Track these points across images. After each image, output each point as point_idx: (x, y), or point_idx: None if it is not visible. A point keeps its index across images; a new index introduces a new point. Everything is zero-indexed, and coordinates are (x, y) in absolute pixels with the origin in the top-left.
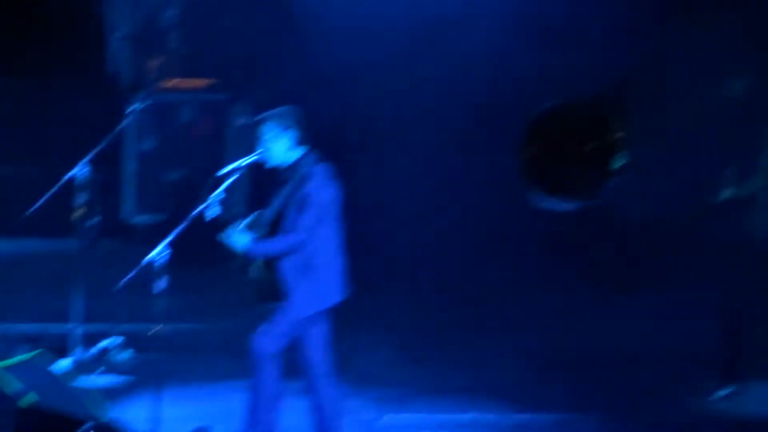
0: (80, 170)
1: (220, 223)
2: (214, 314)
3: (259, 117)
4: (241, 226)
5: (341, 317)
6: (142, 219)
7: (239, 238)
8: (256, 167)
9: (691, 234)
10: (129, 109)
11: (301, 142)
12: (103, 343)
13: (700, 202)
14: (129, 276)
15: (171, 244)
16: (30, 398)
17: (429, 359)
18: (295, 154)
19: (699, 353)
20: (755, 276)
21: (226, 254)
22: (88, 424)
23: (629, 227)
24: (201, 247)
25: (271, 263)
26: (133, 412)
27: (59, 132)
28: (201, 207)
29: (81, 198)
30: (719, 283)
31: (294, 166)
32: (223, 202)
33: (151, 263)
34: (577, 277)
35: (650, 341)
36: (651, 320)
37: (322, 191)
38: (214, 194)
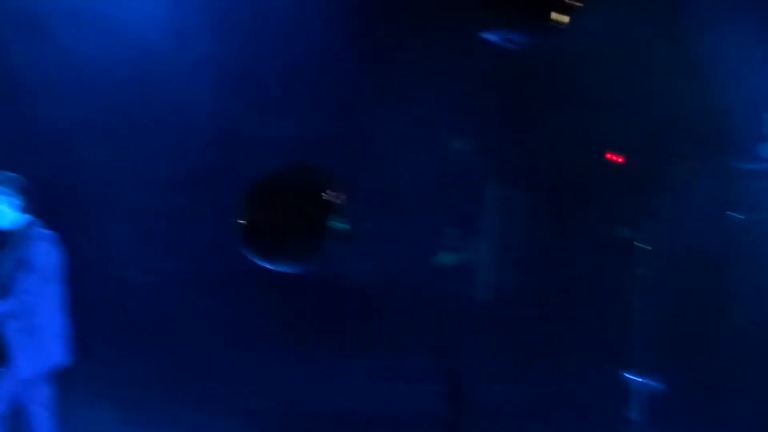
0: None
1: None
2: None
3: None
4: None
5: (63, 379)
6: None
7: None
8: None
9: (414, 297)
10: None
11: (24, 208)
12: None
13: (423, 266)
14: None
15: None
16: None
17: (153, 420)
18: (19, 219)
19: (424, 413)
20: (476, 337)
21: None
22: None
23: (355, 291)
24: None
25: None
26: None
27: None
28: None
29: None
30: (441, 345)
31: (17, 232)
32: None
33: None
34: (305, 339)
35: (376, 402)
36: (377, 382)
37: (45, 256)
38: None
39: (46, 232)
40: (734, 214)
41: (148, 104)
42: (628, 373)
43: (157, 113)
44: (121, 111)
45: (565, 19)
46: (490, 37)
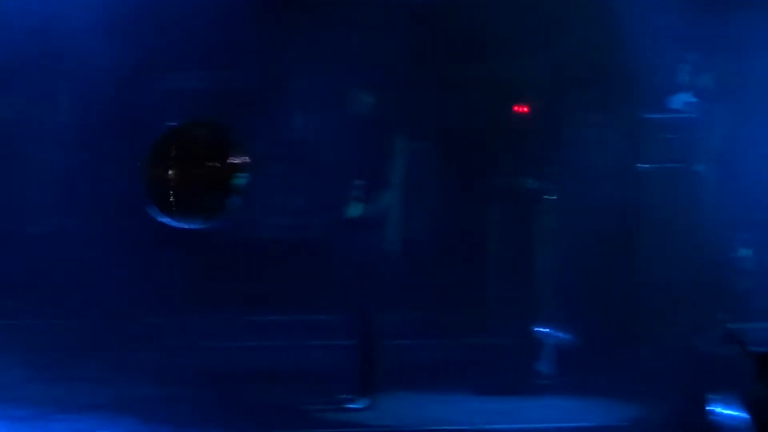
0: None
1: None
2: None
3: None
4: None
5: None
6: None
7: None
8: None
9: (323, 251)
10: None
11: None
12: None
13: (331, 220)
14: None
15: None
16: None
17: (65, 377)
18: None
19: (335, 369)
20: (385, 291)
21: None
22: None
23: (263, 246)
24: None
25: None
26: None
27: None
28: None
29: None
30: (351, 299)
31: None
32: None
33: None
34: (212, 295)
35: (286, 358)
36: (286, 337)
37: None
38: None
39: None
40: (643, 166)
41: (49, 57)
42: (537, 326)
43: (57, 66)
44: (20, 64)
45: None
46: None
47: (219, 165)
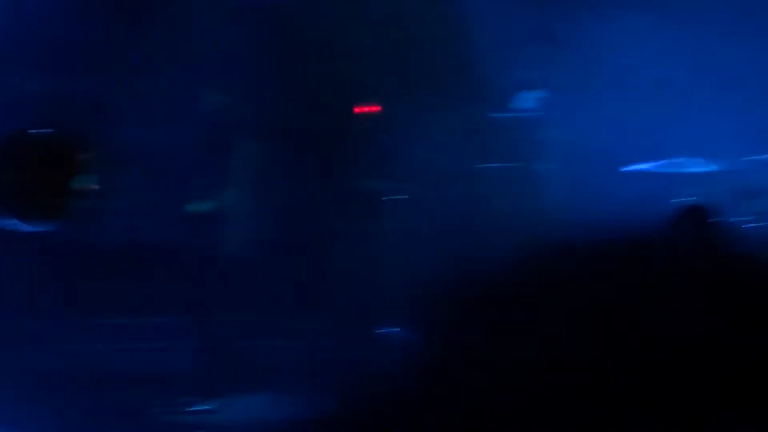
0: None
1: None
2: None
3: None
4: None
5: None
6: None
7: None
8: None
9: (166, 253)
10: None
11: None
12: None
13: (174, 221)
14: None
15: None
16: None
17: None
18: None
19: (180, 371)
20: (228, 292)
21: None
22: None
23: (106, 248)
24: None
25: None
26: None
27: None
28: None
29: None
30: (195, 300)
31: None
32: None
33: None
34: (56, 298)
35: (129, 361)
36: (130, 340)
37: None
38: None
39: None
40: (489, 165)
41: None
42: (380, 327)
43: None
44: None
45: None
46: None
47: (65, 167)
